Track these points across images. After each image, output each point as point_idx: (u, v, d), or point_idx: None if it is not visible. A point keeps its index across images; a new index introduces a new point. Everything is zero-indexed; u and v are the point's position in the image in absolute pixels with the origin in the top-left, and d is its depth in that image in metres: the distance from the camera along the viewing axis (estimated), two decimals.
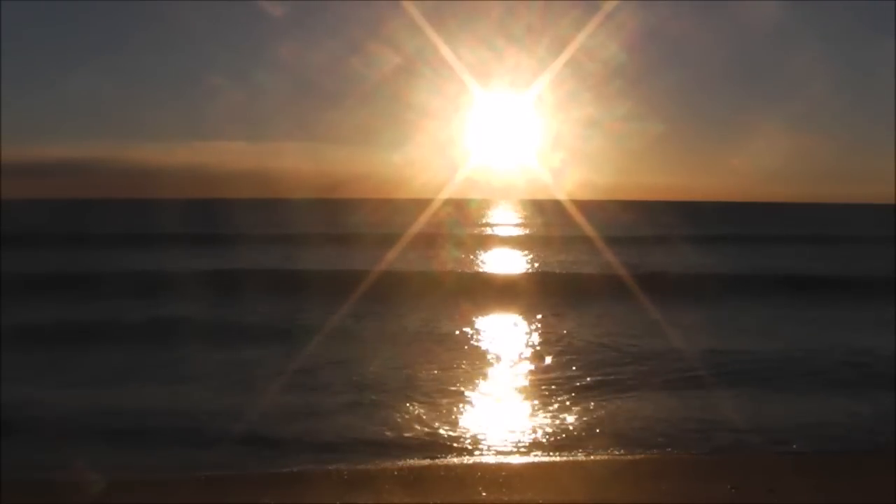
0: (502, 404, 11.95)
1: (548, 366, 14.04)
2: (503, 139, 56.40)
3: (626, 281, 21.82)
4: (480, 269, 28.40)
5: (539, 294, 22.55)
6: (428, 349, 15.12)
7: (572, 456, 9.62)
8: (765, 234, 48.33)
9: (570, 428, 10.73)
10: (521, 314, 19.29)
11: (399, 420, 10.98)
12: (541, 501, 7.85)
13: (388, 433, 10.47)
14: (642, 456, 9.61)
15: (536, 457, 9.67)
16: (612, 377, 13.15)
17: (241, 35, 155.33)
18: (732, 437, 10.27)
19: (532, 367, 14.06)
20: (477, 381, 13.09)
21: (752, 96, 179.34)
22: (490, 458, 9.59)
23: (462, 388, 12.58)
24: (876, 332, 16.84)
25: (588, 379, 13.03)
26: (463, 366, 14.02)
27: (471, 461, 9.42)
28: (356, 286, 20.47)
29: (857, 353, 14.58)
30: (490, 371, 13.79)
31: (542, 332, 16.91)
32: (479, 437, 10.42)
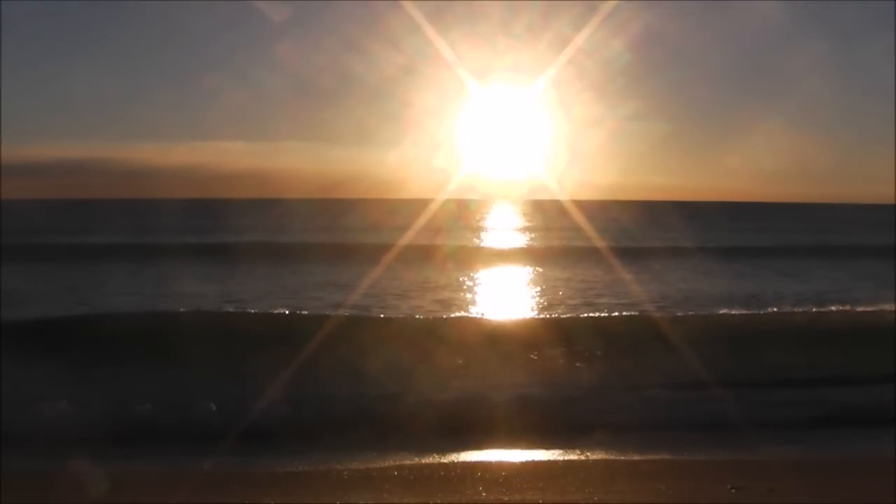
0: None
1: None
2: (504, 139, 56.49)
3: (662, 327, 16.25)
4: (486, 313, 20.91)
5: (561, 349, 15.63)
6: None
7: (572, 456, 9.62)
8: (783, 243, 46.42)
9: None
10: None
11: (398, 420, 10.97)
12: (541, 501, 7.85)
13: (388, 433, 10.47)
14: (642, 456, 9.61)
15: (536, 457, 9.66)
16: None
17: (241, 35, 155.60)
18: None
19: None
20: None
21: (754, 96, 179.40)
22: (490, 458, 9.59)
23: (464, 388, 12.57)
24: None
25: None
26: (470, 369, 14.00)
27: (471, 461, 9.42)
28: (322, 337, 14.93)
29: None
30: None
31: None
32: (480, 436, 10.43)
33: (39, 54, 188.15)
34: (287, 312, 18.23)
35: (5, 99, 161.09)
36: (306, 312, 18.33)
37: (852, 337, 16.19)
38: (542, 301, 22.64)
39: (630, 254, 34.06)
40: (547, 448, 9.95)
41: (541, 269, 30.83)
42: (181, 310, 18.31)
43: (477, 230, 59.35)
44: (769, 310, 19.17)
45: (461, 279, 26.93)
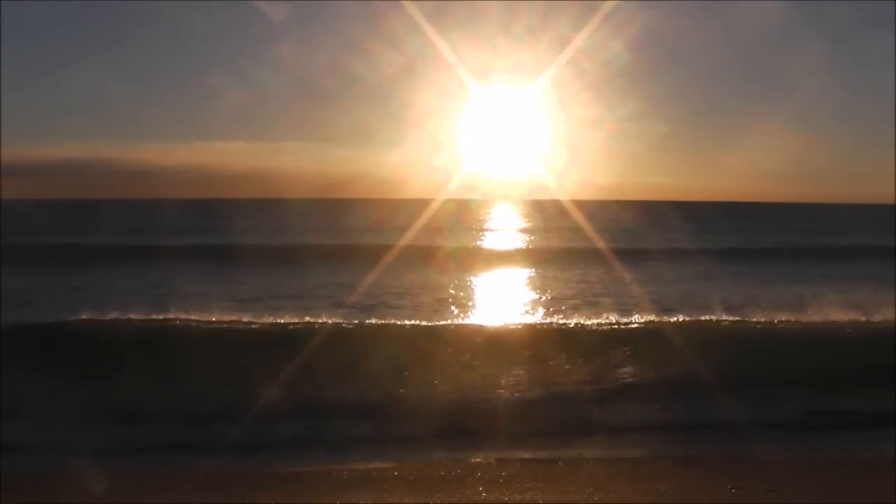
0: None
1: None
2: (504, 139, 56.55)
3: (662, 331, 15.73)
4: (486, 317, 20.28)
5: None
6: None
7: (572, 456, 9.62)
8: (782, 244, 45.82)
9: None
10: None
11: (398, 420, 10.97)
12: (541, 501, 7.86)
13: (388, 433, 10.47)
14: (642, 456, 9.62)
15: (536, 457, 9.67)
16: None
17: (241, 35, 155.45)
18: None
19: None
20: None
21: (753, 96, 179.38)
22: (490, 458, 9.59)
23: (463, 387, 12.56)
24: None
25: None
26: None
27: (471, 461, 9.42)
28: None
29: None
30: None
31: None
32: (481, 436, 10.43)
33: (40, 54, 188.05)
34: (288, 322, 17.72)
35: (6, 99, 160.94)
36: (308, 319, 18.06)
37: (852, 346, 15.91)
38: (542, 304, 22.63)
39: (629, 255, 33.76)
40: (547, 448, 9.95)
41: (541, 271, 30.76)
42: (182, 317, 17.97)
43: (477, 231, 59.37)
44: (771, 318, 18.77)
45: (462, 282, 26.86)
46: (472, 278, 27.84)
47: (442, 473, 8.81)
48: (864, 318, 18.48)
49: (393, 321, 17.68)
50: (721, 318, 18.33)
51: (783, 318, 18.30)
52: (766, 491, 8.03)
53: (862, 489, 8.21)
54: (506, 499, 7.91)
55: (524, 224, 71.19)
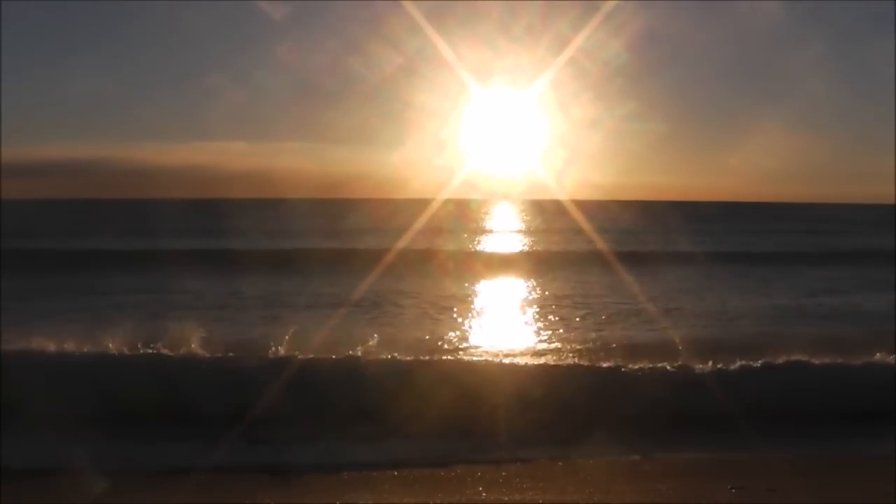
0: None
1: None
2: (504, 139, 56.60)
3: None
4: (487, 327, 19.31)
5: None
6: None
7: (572, 456, 9.62)
8: (783, 247, 45.43)
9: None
10: None
11: (398, 420, 10.96)
12: (541, 501, 7.86)
13: (388, 433, 10.46)
14: (642, 456, 9.61)
15: (536, 457, 9.66)
16: None
17: (241, 35, 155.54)
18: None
19: None
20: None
21: (753, 96, 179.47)
22: (490, 458, 9.59)
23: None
24: None
25: None
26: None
27: (471, 461, 9.42)
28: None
29: None
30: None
31: None
32: (481, 435, 10.43)
33: (39, 54, 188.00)
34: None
35: (5, 99, 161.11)
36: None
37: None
38: (540, 305, 22.64)
39: (629, 258, 33.43)
40: (547, 448, 9.95)
41: (539, 276, 30.62)
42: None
43: (477, 232, 59.37)
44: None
45: (462, 288, 26.60)
46: (472, 284, 27.72)
47: (442, 473, 8.81)
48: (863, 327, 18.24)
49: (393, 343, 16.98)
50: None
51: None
52: (766, 491, 8.03)
53: (862, 489, 8.21)
54: (506, 499, 7.91)
55: (524, 225, 71.17)
